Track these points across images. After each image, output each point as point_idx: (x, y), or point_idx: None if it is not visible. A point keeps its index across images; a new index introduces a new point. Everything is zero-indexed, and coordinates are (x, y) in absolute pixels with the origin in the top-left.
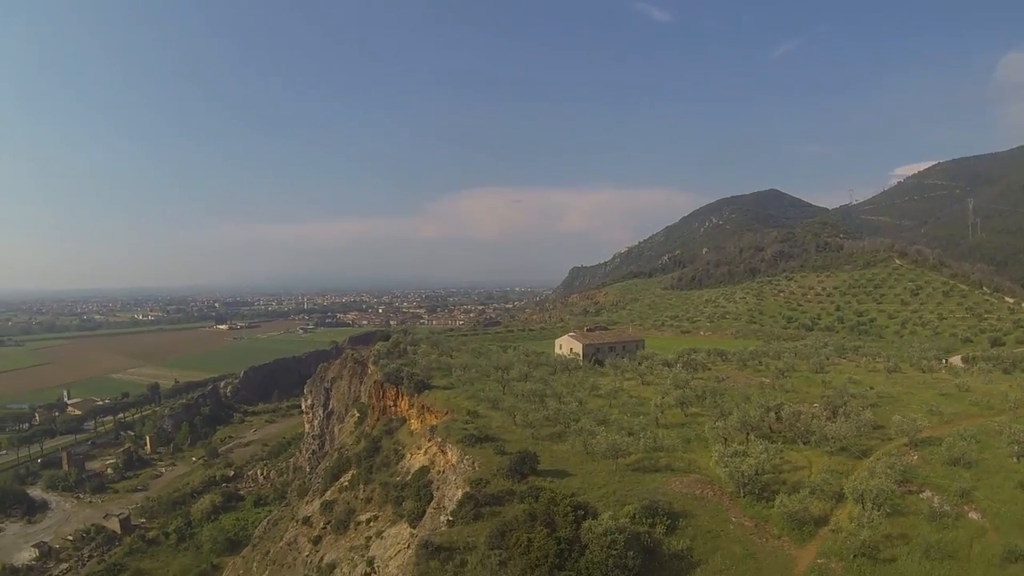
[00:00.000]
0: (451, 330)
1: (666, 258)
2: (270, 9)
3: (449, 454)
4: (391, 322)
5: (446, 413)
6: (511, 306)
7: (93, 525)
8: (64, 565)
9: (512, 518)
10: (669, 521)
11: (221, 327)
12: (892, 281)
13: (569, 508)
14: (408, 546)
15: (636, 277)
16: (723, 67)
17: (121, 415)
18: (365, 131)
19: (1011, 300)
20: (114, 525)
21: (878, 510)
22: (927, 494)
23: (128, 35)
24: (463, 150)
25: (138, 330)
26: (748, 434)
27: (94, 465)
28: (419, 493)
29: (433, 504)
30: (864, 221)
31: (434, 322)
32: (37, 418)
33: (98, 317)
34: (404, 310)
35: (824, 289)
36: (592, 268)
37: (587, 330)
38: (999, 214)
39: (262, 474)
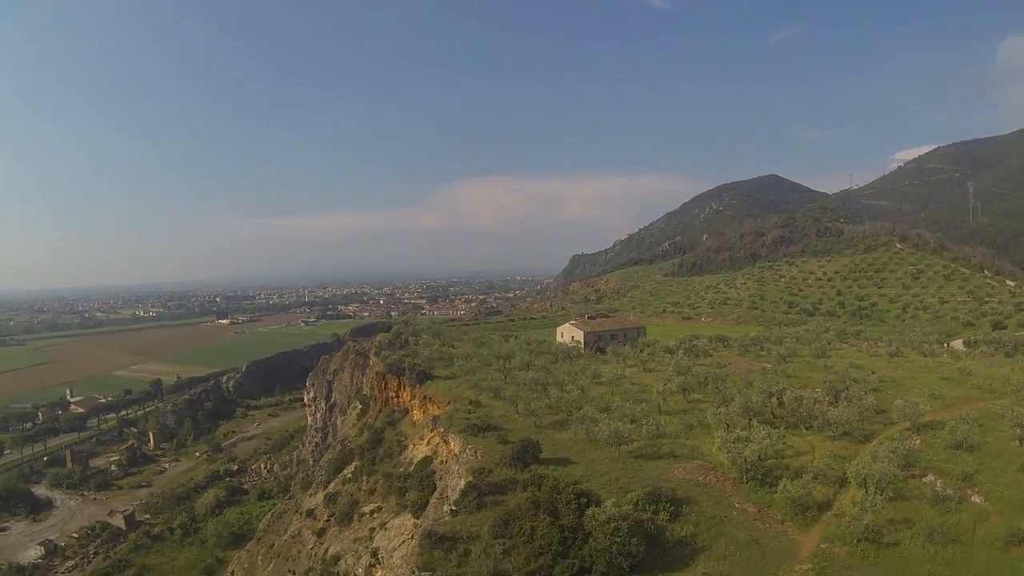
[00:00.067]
0: (452, 320)
1: (666, 245)
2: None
3: (452, 444)
4: (392, 313)
5: (448, 403)
6: (512, 295)
7: (98, 522)
8: (70, 562)
9: (515, 507)
10: (672, 508)
11: (222, 322)
12: (893, 265)
13: (572, 496)
14: (412, 536)
15: (636, 264)
16: (722, 53)
17: (124, 412)
18: (363, 122)
19: (1012, 283)
20: (119, 522)
21: (881, 494)
22: (930, 478)
23: (124, 29)
24: (462, 140)
25: (139, 326)
26: (751, 420)
27: (98, 462)
28: (422, 483)
29: (436, 494)
30: (864, 206)
31: (435, 312)
32: (40, 417)
33: (99, 314)
34: (405, 301)
35: (825, 274)
36: (593, 256)
37: (588, 318)
38: (999, 198)
39: (265, 468)
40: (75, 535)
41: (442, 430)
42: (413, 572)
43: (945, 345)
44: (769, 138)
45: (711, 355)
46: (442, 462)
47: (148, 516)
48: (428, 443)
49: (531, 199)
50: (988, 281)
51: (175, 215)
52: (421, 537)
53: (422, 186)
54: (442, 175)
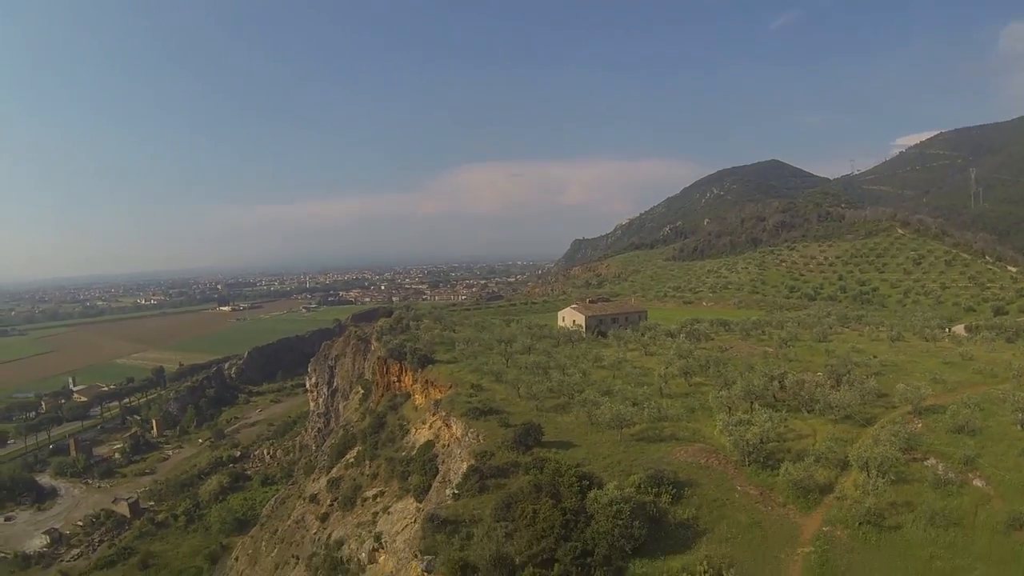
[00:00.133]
0: (454, 305)
1: (667, 229)
2: None
3: (454, 428)
4: (394, 298)
5: (450, 387)
6: (513, 280)
7: (102, 510)
8: (75, 550)
9: (517, 490)
10: (674, 490)
11: (224, 309)
12: (894, 250)
13: (574, 479)
14: (414, 520)
15: (638, 249)
16: (723, 38)
17: (127, 400)
18: (362, 109)
19: (1014, 269)
20: (123, 509)
21: (883, 478)
22: (931, 462)
23: (122, 21)
24: (461, 125)
25: (141, 315)
26: (752, 403)
27: (101, 450)
28: (424, 467)
29: (439, 478)
30: (866, 191)
31: (437, 297)
32: (43, 406)
33: (101, 303)
34: (407, 286)
35: (826, 259)
36: (594, 240)
37: (589, 302)
38: (1001, 184)
39: (268, 453)
40: (80, 523)
41: (444, 414)
42: (416, 556)
43: (947, 330)
44: (770, 123)
45: (712, 339)
46: (444, 446)
47: (152, 503)
48: (430, 427)
49: (531, 184)
50: (989, 267)
51: (175, 203)
52: (423, 521)
53: (422, 172)
54: (442, 161)
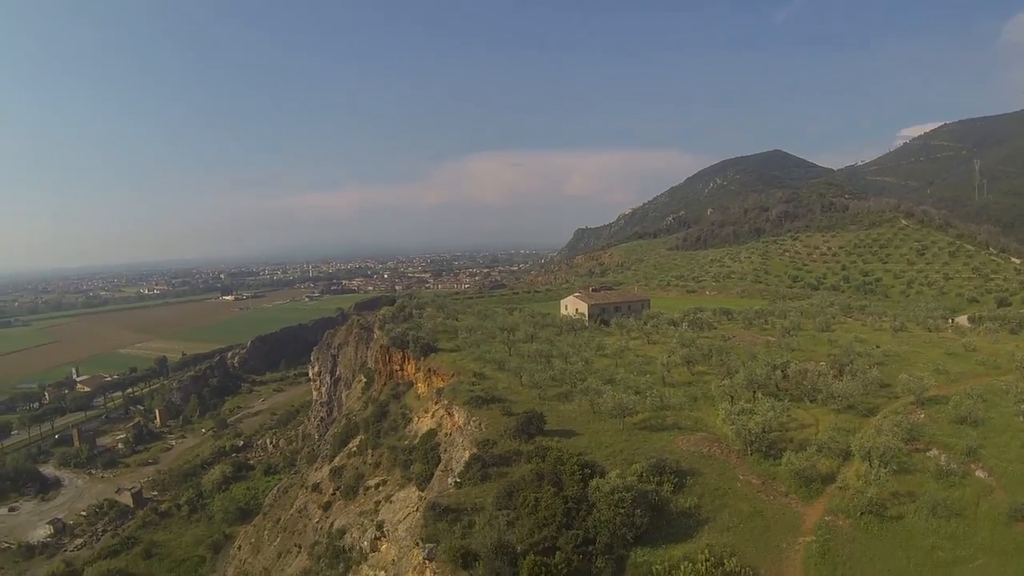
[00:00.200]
0: (457, 294)
1: (671, 219)
2: None
3: (456, 416)
4: (397, 287)
5: (452, 375)
6: (516, 269)
7: (106, 500)
8: (79, 540)
9: (519, 478)
10: (676, 479)
11: (227, 298)
12: (898, 241)
13: (576, 467)
14: (416, 509)
15: (641, 238)
16: (727, 29)
17: (130, 390)
18: (365, 100)
19: (1018, 261)
20: (127, 499)
21: (885, 468)
22: (934, 452)
23: (123, 5)
24: (463, 114)
25: (144, 304)
26: (755, 392)
27: (105, 441)
28: (427, 456)
29: (441, 466)
30: (870, 182)
31: (440, 286)
32: (47, 397)
33: (104, 293)
34: (410, 275)
35: (830, 249)
36: (597, 229)
37: (592, 290)
38: (1006, 175)
39: (271, 443)
40: (83, 513)
41: (446, 402)
42: (417, 544)
43: (950, 321)
44: (774, 114)
45: (715, 328)
46: (446, 434)
47: (155, 493)
48: (432, 416)
49: (534, 173)
50: (993, 258)
51: (179, 193)
52: (425, 509)
53: (425, 161)
54: (444, 150)
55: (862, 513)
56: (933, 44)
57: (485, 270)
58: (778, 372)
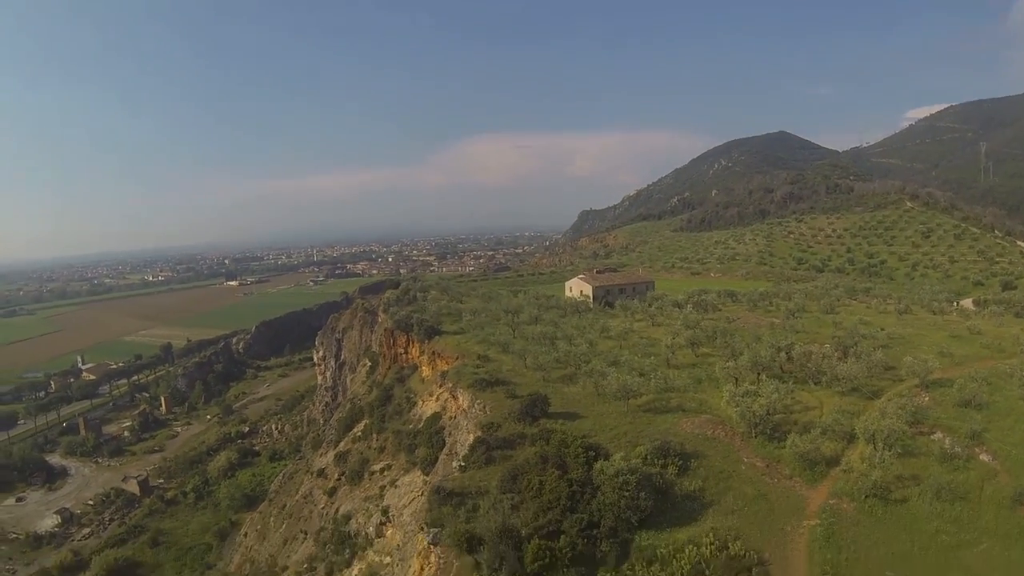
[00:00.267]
0: (461, 276)
1: (675, 200)
2: None
3: (460, 399)
4: (401, 271)
5: (457, 358)
6: (521, 251)
7: (113, 488)
8: (86, 529)
9: (524, 461)
10: (681, 462)
11: (231, 283)
12: (903, 223)
13: (580, 450)
14: (421, 493)
15: (645, 220)
16: (730, 8)
17: (135, 377)
18: (368, 82)
19: (1023, 244)
20: (133, 487)
21: (889, 451)
22: (938, 435)
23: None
24: (465, 96)
25: (148, 291)
26: (759, 374)
27: (111, 429)
28: (431, 440)
29: (445, 450)
30: (875, 164)
31: (444, 269)
32: (53, 386)
33: (108, 281)
34: (414, 258)
35: (834, 231)
36: (601, 211)
37: (597, 272)
38: (1012, 158)
39: (277, 428)
40: (90, 502)
41: (451, 385)
42: (422, 528)
43: (954, 304)
44: (778, 95)
45: (720, 310)
46: (451, 418)
47: (162, 481)
48: (437, 399)
49: (537, 155)
50: (999, 241)
51: (182, 179)
52: (430, 493)
53: (428, 144)
54: (447, 132)
55: (866, 496)
56: (940, 24)
57: (489, 253)
58: (782, 354)
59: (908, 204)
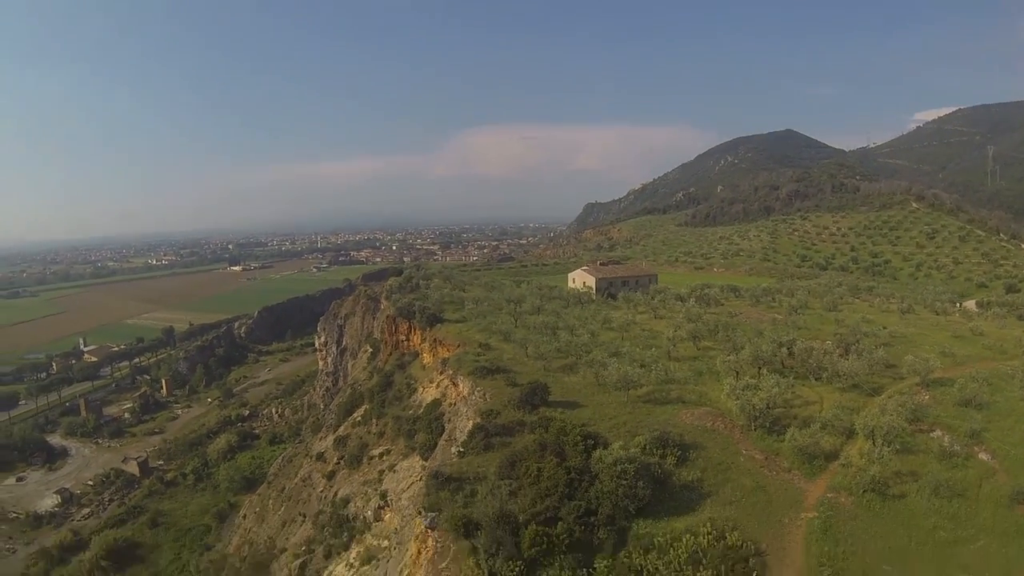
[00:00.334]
0: (464, 265)
1: (680, 195)
2: None
3: (460, 386)
4: (405, 259)
5: (458, 346)
6: (525, 242)
7: (112, 469)
8: (85, 510)
9: (522, 448)
10: (680, 452)
11: (234, 268)
12: (908, 224)
13: (579, 438)
14: (420, 478)
15: (650, 214)
16: (739, 6)
17: (137, 360)
18: (374, 70)
19: None
20: (133, 468)
21: (888, 447)
22: (938, 433)
23: None
24: (472, 87)
25: (152, 275)
26: (760, 368)
27: (111, 410)
28: (431, 426)
29: (444, 436)
30: (881, 164)
31: (448, 258)
32: (54, 367)
33: (112, 264)
34: (418, 247)
35: (839, 229)
36: (606, 204)
37: (600, 264)
38: (1020, 162)
39: (277, 412)
40: (90, 483)
41: (451, 372)
42: (420, 512)
43: (957, 305)
44: (786, 94)
45: (722, 304)
46: (451, 404)
47: (161, 462)
48: (437, 386)
49: (543, 147)
50: (1003, 244)
51: (187, 164)
52: (428, 478)
53: (435, 134)
54: (454, 123)
55: (864, 491)
56: (949, 27)
57: (494, 243)
58: (784, 349)
59: (914, 205)
